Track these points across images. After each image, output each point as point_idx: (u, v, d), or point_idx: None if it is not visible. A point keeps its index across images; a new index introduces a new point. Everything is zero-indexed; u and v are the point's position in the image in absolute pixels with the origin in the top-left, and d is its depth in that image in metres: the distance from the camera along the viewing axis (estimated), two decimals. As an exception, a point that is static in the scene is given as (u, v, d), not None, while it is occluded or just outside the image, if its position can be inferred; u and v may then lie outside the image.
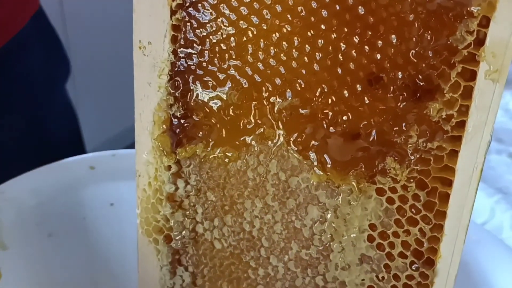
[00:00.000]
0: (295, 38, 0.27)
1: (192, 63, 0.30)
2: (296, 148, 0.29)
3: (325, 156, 0.28)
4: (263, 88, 0.28)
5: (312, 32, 0.26)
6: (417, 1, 0.24)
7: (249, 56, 0.28)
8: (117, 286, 0.41)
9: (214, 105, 0.30)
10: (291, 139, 0.29)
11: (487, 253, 0.38)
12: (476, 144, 0.26)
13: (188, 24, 0.29)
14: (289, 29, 0.27)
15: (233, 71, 0.29)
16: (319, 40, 0.26)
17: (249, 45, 0.28)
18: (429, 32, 0.25)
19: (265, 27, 0.27)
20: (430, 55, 0.25)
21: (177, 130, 0.31)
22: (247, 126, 0.29)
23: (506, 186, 0.59)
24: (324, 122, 0.28)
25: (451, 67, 0.25)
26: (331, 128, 0.28)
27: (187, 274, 0.34)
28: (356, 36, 0.26)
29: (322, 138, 0.28)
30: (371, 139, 0.27)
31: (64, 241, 0.40)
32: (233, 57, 0.29)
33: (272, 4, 0.27)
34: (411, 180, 0.27)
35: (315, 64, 0.27)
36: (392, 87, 0.26)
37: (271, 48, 0.28)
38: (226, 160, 0.30)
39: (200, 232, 0.33)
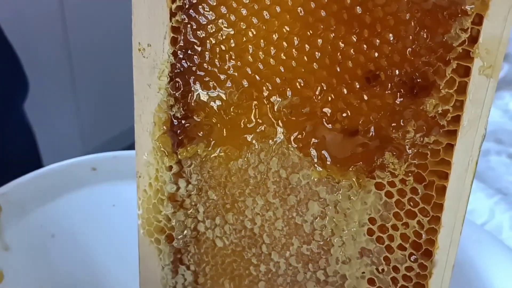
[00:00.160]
0: (295, 37, 0.27)
1: (192, 64, 0.30)
2: (297, 146, 0.29)
3: (325, 152, 0.29)
4: (263, 88, 0.29)
5: (311, 32, 0.27)
6: (413, 0, 0.25)
7: (249, 56, 0.29)
8: (119, 287, 0.41)
9: (214, 105, 0.30)
10: (292, 137, 0.29)
11: (487, 253, 0.39)
12: (471, 137, 0.26)
13: (188, 25, 0.29)
14: (288, 29, 0.27)
15: (234, 71, 0.29)
16: (318, 40, 0.27)
17: (249, 46, 0.28)
18: (425, 30, 0.26)
19: (264, 28, 0.28)
20: (426, 52, 0.26)
21: (178, 131, 0.31)
22: (248, 125, 0.30)
23: (506, 187, 0.59)
24: (323, 119, 0.28)
25: (446, 63, 0.26)
26: (331, 125, 0.28)
27: (189, 273, 0.35)
28: (354, 35, 0.27)
29: (322, 136, 0.29)
30: (370, 135, 0.28)
31: (67, 242, 0.40)
32: (233, 57, 0.29)
33: (272, 5, 0.27)
34: (409, 174, 0.28)
35: (314, 63, 0.28)
36: (389, 84, 0.27)
37: (271, 48, 0.28)
38: (227, 158, 0.31)
39: (201, 231, 0.33)
